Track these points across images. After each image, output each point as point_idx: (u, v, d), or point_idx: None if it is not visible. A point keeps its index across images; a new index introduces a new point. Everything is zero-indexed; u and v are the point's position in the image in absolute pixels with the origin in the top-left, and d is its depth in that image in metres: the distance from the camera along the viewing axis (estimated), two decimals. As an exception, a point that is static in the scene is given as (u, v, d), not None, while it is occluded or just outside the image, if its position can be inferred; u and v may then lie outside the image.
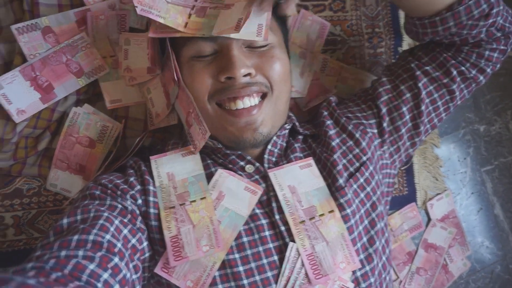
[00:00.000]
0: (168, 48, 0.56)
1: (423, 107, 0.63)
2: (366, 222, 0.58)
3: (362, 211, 0.58)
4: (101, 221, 0.47)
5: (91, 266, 0.41)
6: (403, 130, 0.65)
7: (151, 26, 0.56)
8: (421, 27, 0.60)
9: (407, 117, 0.64)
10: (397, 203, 0.84)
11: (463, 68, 0.62)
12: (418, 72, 0.63)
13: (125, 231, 0.49)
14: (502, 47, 0.60)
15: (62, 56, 0.60)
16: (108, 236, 0.45)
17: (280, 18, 0.62)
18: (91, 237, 0.44)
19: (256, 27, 0.53)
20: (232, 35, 0.52)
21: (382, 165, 0.65)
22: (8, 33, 0.58)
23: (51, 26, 0.59)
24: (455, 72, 0.62)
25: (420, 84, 0.62)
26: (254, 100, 0.55)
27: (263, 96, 0.57)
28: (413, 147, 0.68)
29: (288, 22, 0.72)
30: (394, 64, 0.69)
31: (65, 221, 0.47)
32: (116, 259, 0.44)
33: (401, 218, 0.84)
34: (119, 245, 0.46)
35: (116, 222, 0.48)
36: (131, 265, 0.47)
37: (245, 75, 0.54)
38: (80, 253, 0.42)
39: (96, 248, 0.43)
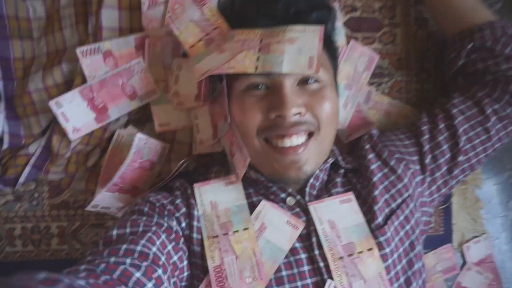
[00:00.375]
0: (223, 85, 0.57)
1: (461, 145, 0.64)
2: (404, 261, 0.57)
3: (401, 250, 0.57)
4: (149, 234, 0.49)
5: (137, 274, 0.43)
6: (444, 169, 0.65)
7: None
8: (459, 36, 0.67)
9: (448, 155, 0.65)
10: (432, 243, 0.82)
11: (497, 106, 0.64)
12: (454, 111, 0.65)
13: (169, 247, 0.51)
14: None
15: (119, 79, 0.63)
16: (154, 249, 0.48)
17: (332, 54, 0.63)
18: (138, 248, 0.46)
19: (308, 59, 0.53)
20: (284, 71, 0.52)
21: (422, 202, 0.65)
22: (72, 53, 0.61)
23: (112, 50, 0.62)
24: (489, 110, 0.64)
25: (456, 123, 0.64)
26: (301, 138, 0.55)
27: (310, 134, 0.57)
28: (451, 186, 0.68)
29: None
30: (433, 104, 0.71)
31: (114, 232, 0.50)
32: (160, 271, 0.46)
33: (435, 259, 0.82)
34: (163, 259, 0.48)
35: (163, 237, 0.51)
36: (171, 281, 0.49)
37: (295, 114, 0.54)
38: (128, 260, 0.44)
39: (142, 258, 0.45)
